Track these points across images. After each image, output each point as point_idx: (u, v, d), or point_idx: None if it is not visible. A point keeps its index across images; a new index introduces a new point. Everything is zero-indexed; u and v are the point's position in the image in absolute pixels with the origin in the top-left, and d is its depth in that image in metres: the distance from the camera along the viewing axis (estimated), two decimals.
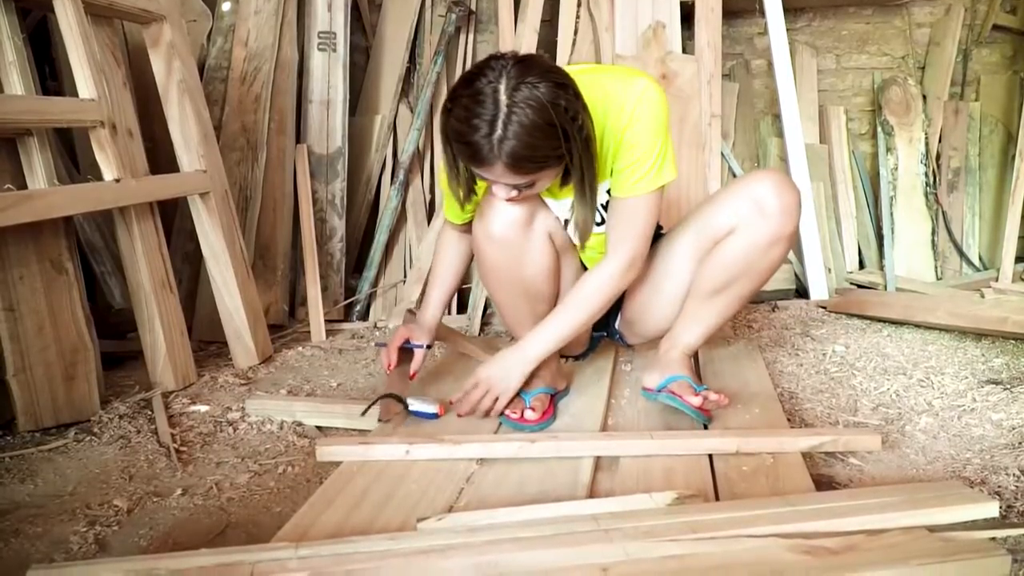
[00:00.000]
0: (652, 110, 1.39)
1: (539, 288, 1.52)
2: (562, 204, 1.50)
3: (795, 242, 1.53)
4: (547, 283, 1.53)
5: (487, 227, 1.45)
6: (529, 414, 1.49)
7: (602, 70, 1.50)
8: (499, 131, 1.20)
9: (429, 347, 1.69)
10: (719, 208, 1.52)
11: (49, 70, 2.48)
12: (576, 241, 1.47)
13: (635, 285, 1.70)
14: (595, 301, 1.47)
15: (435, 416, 1.54)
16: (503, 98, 1.20)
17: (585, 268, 1.65)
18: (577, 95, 1.26)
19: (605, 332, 1.83)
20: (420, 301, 2.54)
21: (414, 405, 1.56)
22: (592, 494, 1.25)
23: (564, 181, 1.41)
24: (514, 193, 1.34)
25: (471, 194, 1.44)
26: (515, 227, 1.44)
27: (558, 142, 1.24)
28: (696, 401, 1.45)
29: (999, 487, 1.25)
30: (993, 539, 1.03)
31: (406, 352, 1.69)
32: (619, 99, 1.39)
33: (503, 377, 1.49)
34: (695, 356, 1.96)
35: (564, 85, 1.24)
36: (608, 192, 1.50)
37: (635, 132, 1.39)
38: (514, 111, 1.19)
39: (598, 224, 1.58)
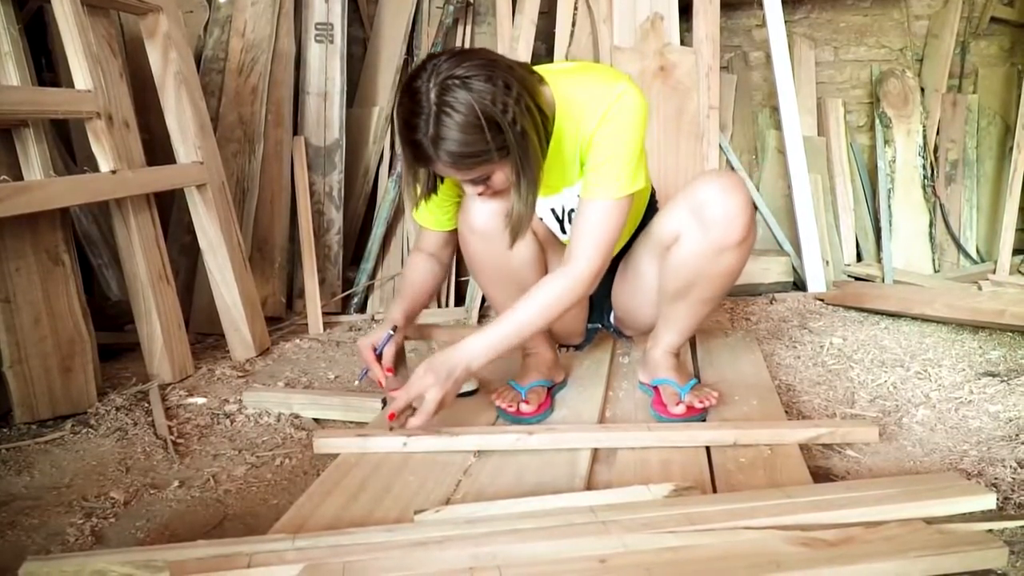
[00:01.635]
0: (627, 114, 1.35)
1: (524, 278, 1.50)
2: (542, 201, 1.49)
3: (751, 246, 1.46)
4: (532, 273, 1.51)
5: (468, 220, 1.45)
6: (524, 407, 1.49)
7: (587, 70, 1.47)
8: (432, 130, 1.20)
9: (394, 330, 1.52)
10: (667, 213, 1.50)
11: (45, 61, 2.47)
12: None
13: (616, 284, 1.70)
14: (549, 311, 1.37)
15: (474, 391, 1.61)
16: (433, 96, 1.19)
17: None
18: (508, 87, 1.22)
19: (600, 324, 1.82)
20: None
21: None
22: (590, 486, 1.25)
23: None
24: (480, 188, 1.32)
25: (432, 192, 1.41)
26: (495, 219, 1.43)
27: (490, 136, 1.21)
28: (679, 410, 1.47)
29: (996, 479, 1.26)
30: (990, 531, 1.03)
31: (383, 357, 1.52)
32: (596, 100, 1.35)
33: (445, 376, 1.31)
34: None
35: (492, 78, 1.21)
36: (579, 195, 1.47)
37: (606, 134, 1.35)
38: (443, 109, 1.19)
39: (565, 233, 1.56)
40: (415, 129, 1.21)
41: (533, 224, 1.49)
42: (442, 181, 1.42)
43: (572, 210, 1.54)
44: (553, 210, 1.53)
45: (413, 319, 1.62)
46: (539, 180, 1.33)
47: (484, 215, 1.43)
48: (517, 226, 1.36)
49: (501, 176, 1.31)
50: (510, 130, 1.22)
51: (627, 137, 1.36)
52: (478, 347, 1.34)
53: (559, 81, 1.37)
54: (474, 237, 1.46)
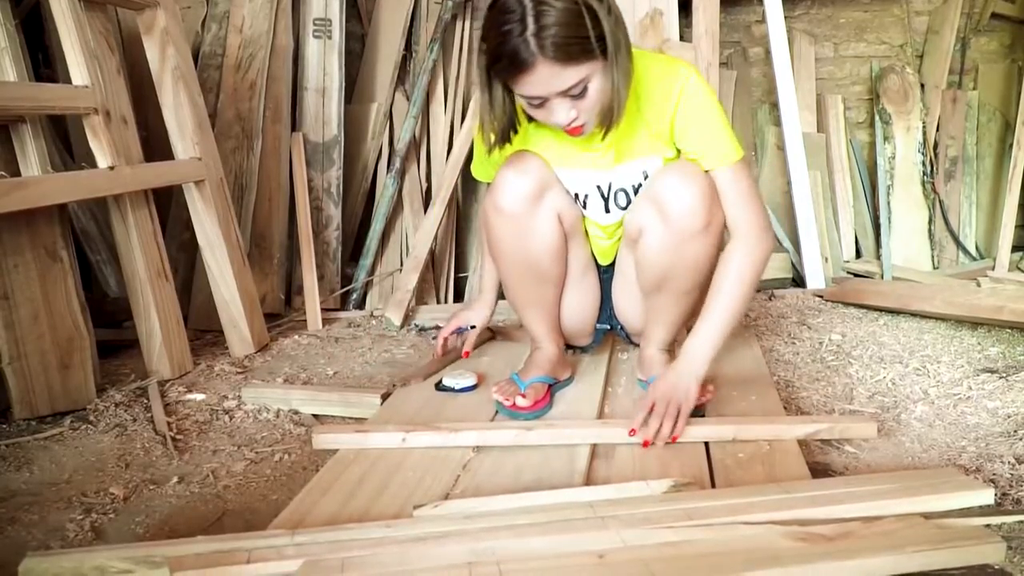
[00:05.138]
0: (704, 89, 1.39)
1: (545, 267, 1.49)
2: (582, 174, 1.48)
3: (719, 234, 1.47)
4: (553, 263, 1.50)
5: (495, 198, 1.45)
6: (520, 401, 1.49)
7: (646, 53, 1.47)
8: (532, 25, 1.19)
9: (474, 327, 1.81)
10: (633, 209, 1.51)
11: (43, 57, 2.47)
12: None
13: (612, 286, 1.69)
14: (747, 279, 1.41)
15: (473, 387, 1.65)
16: None
17: (595, 259, 1.65)
18: None
19: (609, 326, 1.80)
20: (417, 291, 2.54)
21: (447, 381, 1.65)
22: (588, 481, 1.25)
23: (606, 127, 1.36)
24: (573, 113, 1.28)
25: (512, 130, 1.38)
26: (524, 201, 1.43)
27: (591, 25, 1.20)
28: None
29: (994, 474, 1.26)
30: (988, 526, 1.03)
31: (459, 337, 1.85)
32: (668, 77, 1.39)
33: (679, 397, 1.37)
34: None
35: None
36: (644, 175, 1.48)
37: (692, 107, 1.39)
38: (540, 3, 1.19)
39: (622, 208, 1.53)
40: (511, 34, 1.20)
41: (562, 210, 1.49)
42: (516, 130, 1.39)
43: (620, 190, 1.52)
44: (599, 187, 1.50)
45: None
46: (628, 68, 1.30)
47: (512, 194, 1.43)
48: (604, 114, 1.32)
49: (595, 83, 1.26)
50: (607, 20, 1.22)
51: (713, 108, 1.40)
52: (697, 354, 1.41)
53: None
54: (499, 217, 1.46)
